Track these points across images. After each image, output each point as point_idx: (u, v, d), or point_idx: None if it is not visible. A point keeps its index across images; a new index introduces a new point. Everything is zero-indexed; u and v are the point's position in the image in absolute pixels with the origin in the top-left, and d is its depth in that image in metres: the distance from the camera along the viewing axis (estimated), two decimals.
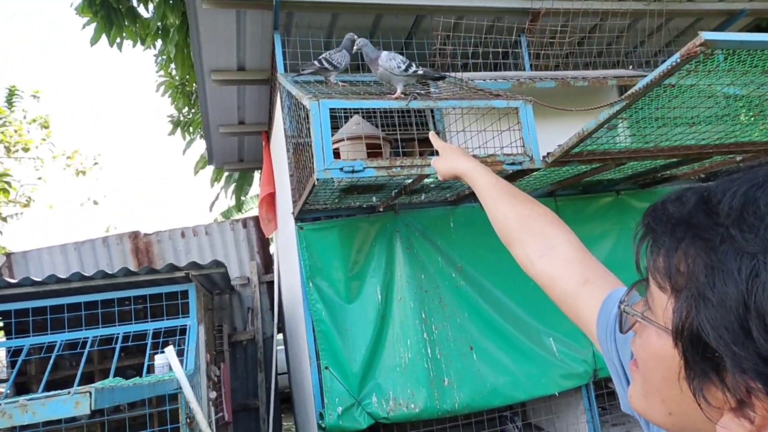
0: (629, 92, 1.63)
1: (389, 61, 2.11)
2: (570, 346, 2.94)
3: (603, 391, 3.14)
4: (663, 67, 1.49)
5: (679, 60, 1.44)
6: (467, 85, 2.66)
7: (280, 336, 4.60)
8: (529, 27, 3.20)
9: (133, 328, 2.55)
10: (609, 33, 3.47)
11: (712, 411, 0.44)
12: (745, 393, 0.41)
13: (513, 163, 2.10)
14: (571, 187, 3.13)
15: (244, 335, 4.44)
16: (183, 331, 2.66)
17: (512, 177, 2.36)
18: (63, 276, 2.43)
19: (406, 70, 2.11)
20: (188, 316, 2.61)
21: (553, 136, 2.58)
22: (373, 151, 2.22)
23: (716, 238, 0.43)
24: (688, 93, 1.65)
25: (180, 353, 2.52)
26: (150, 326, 2.57)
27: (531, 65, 3.33)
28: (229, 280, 3.75)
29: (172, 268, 2.44)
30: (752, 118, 1.98)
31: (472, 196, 2.82)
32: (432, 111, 3.31)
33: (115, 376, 2.11)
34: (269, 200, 4.08)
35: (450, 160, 1.14)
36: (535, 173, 2.42)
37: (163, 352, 1.96)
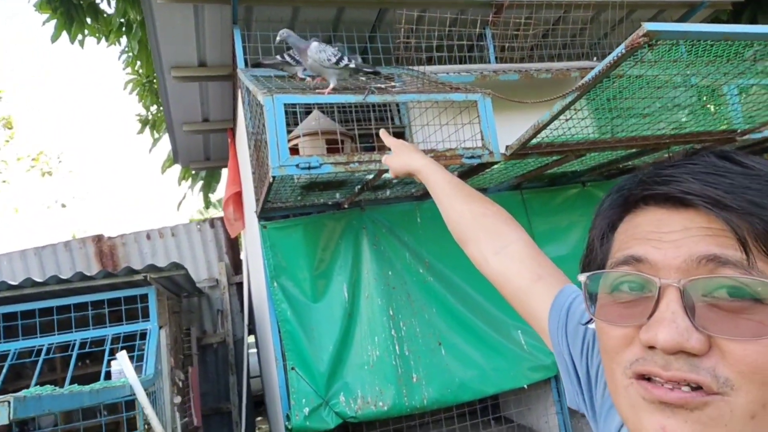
0: (579, 83, 1.63)
1: (319, 53, 2.07)
2: (538, 338, 2.93)
3: None
4: (610, 58, 1.49)
5: (624, 51, 1.44)
6: (429, 79, 2.64)
7: (252, 338, 4.54)
8: (494, 19, 3.20)
9: (91, 334, 2.47)
10: (573, 25, 3.48)
11: None
12: None
13: (472, 157, 2.08)
14: (537, 180, 3.14)
15: (214, 338, 4.36)
16: (145, 335, 2.60)
17: (473, 171, 2.35)
18: None
19: (337, 63, 2.07)
20: (149, 320, 2.54)
21: (516, 129, 2.57)
22: (334, 147, 2.18)
23: None
24: (637, 83, 1.66)
25: (141, 358, 2.45)
26: (108, 332, 2.49)
27: (496, 58, 3.32)
28: (194, 282, 3.68)
29: (130, 271, 2.36)
30: (703, 108, 2.00)
31: None
32: (397, 105, 3.29)
33: (78, 383, 2.04)
34: (236, 199, 4.01)
35: (403, 157, 1.13)
36: (496, 166, 2.42)
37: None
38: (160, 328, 2.57)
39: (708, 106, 2.12)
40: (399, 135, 3.14)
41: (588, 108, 1.98)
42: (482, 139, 2.12)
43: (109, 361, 2.30)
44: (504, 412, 3.42)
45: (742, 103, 2.34)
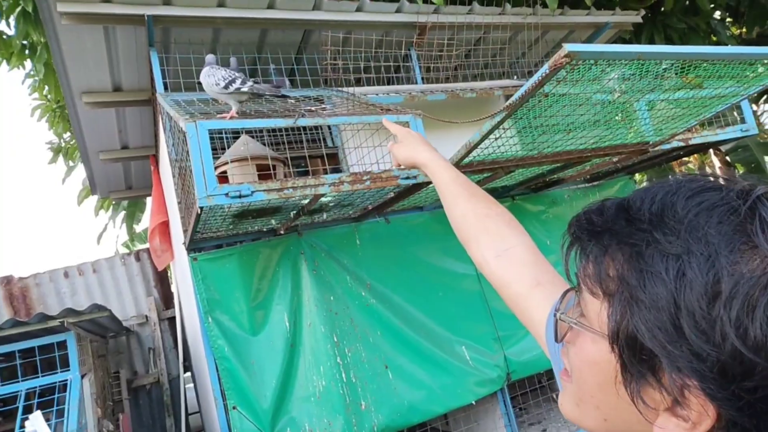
0: (507, 103, 1.67)
1: (206, 77, 2.00)
2: (482, 352, 2.99)
3: (517, 393, 3.22)
4: (534, 78, 1.54)
5: (548, 71, 1.49)
6: (359, 100, 2.63)
7: (188, 374, 4.27)
8: (417, 41, 3.26)
9: (1, 390, 2.20)
10: (493, 45, 3.63)
11: (649, 412, 0.46)
12: (680, 392, 0.43)
13: (407, 177, 2.08)
14: None
15: (146, 378, 4.06)
16: (65, 386, 2.35)
17: (409, 191, 2.35)
18: None
19: (226, 87, 2.01)
20: (69, 370, 2.30)
21: (446, 148, 2.61)
22: (265, 173, 2.10)
23: (642, 243, 0.45)
24: (561, 101, 1.73)
25: (62, 413, 2.21)
26: (21, 386, 2.23)
27: (422, 78, 3.39)
28: (120, 322, 3.41)
29: (44, 317, 2.13)
30: (620, 123, 2.12)
31: (376, 210, 2.78)
32: (329, 127, 3.25)
33: None
34: (163, 229, 3.78)
35: (410, 148, 1.09)
36: (431, 186, 2.44)
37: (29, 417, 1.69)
38: (83, 376, 2.34)
39: (623, 120, 2.25)
40: (332, 156, 3.10)
41: (515, 126, 2.04)
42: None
43: (22, 421, 2.05)
44: (455, 430, 3.42)
45: (653, 117, 2.51)
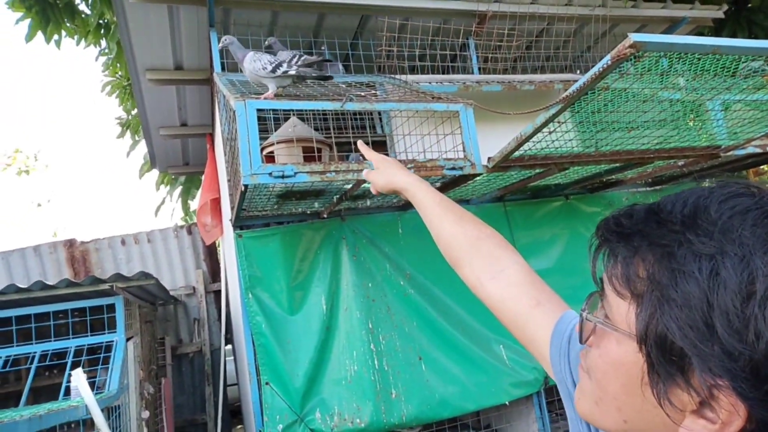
0: (564, 95, 1.58)
1: (253, 62, 2.00)
2: (520, 353, 2.90)
3: (554, 398, 3.11)
4: (595, 69, 1.45)
5: (610, 62, 1.40)
6: (411, 88, 2.59)
7: (229, 347, 4.42)
8: (477, 30, 3.16)
9: (52, 346, 2.35)
10: (556, 37, 3.48)
11: (675, 414, 0.45)
12: (709, 392, 0.43)
13: (453, 168, 2.03)
14: (520, 192, 3.10)
15: (190, 347, 4.23)
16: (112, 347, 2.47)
17: (455, 182, 2.29)
18: None
19: (273, 71, 2.00)
20: (115, 332, 2.42)
21: (499, 140, 2.53)
22: (311, 155, 2.11)
23: (674, 244, 0.45)
24: (623, 96, 1.62)
25: (106, 372, 2.33)
26: (71, 343, 2.37)
27: (479, 69, 3.29)
28: (167, 291, 3.55)
29: (95, 280, 2.25)
30: (690, 123, 1.97)
31: None
32: (379, 114, 3.23)
33: (44, 394, 1.92)
34: (214, 206, 3.90)
35: (387, 174, 1.09)
36: (478, 178, 2.37)
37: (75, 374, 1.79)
38: (129, 339, 2.45)
39: (693, 120, 2.09)
40: (380, 144, 3.07)
41: (572, 121, 1.94)
42: (464, 151, 2.07)
43: (69, 376, 2.18)
44: (485, 428, 3.35)
45: (727, 119, 2.33)
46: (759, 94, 1.87)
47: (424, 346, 2.73)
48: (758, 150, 2.57)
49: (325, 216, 2.68)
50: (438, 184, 2.35)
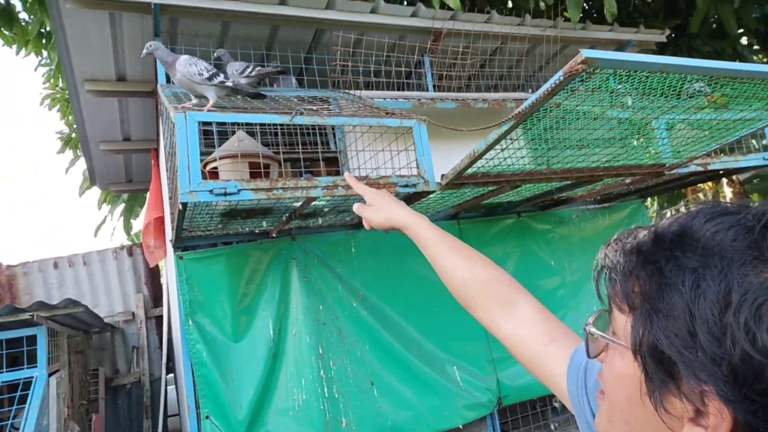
0: (516, 111, 1.55)
1: (188, 66, 1.90)
2: (474, 374, 2.84)
3: (508, 419, 3.06)
4: (547, 85, 1.42)
5: (562, 78, 1.37)
6: (365, 103, 2.53)
7: (171, 375, 4.14)
8: (432, 47, 3.16)
9: None
10: (509, 57, 3.52)
11: (674, 422, 0.48)
12: (700, 400, 0.45)
13: (407, 186, 1.96)
14: (473, 210, 3.08)
15: (127, 378, 3.94)
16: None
17: (408, 200, 2.23)
18: None
19: (210, 78, 1.90)
20: (37, 367, 2.18)
21: (453, 158, 2.50)
22: (257, 171, 2.00)
23: (663, 260, 0.48)
24: (573, 114, 1.61)
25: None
26: None
27: (434, 86, 3.28)
28: (100, 318, 3.30)
29: (14, 310, 2.02)
30: (636, 142, 1.99)
31: None
32: (333, 129, 3.15)
33: None
34: (158, 225, 3.69)
35: (384, 211, 1.04)
36: (432, 196, 2.32)
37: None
38: (52, 374, 2.22)
39: (640, 139, 2.12)
40: (333, 160, 2.99)
41: (524, 138, 1.92)
42: (417, 168, 2.01)
43: None
44: None
45: (671, 138, 2.38)
46: (701, 114, 1.91)
47: (377, 370, 2.63)
48: (700, 168, 2.65)
49: (274, 235, 2.55)
50: None
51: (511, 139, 1.71)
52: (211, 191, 1.66)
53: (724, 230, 0.47)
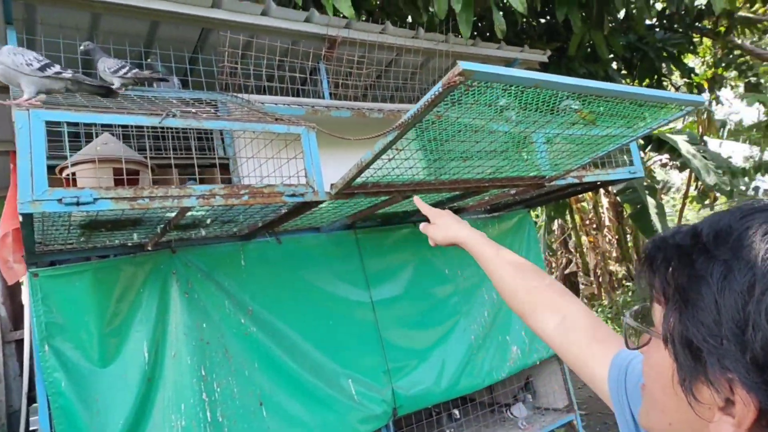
0: (399, 122, 1.54)
1: (14, 55, 1.70)
2: (369, 386, 2.80)
3: (403, 428, 3.06)
4: (427, 97, 1.42)
5: (441, 89, 1.38)
6: (254, 108, 2.40)
7: (35, 405, 3.64)
8: (327, 54, 3.10)
9: None
10: (405, 69, 3.57)
11: (704, 410, 0.49)
12: (728, 389, 0.46)
13: (294, 195, 1.88)
14: (370, 219, 3.06)
15: None
16: None
17: (299, 210, 2.14)
18: None
19: (42, 69, 1.71)
20: None
21: (346, 167, 2.46)
22: (128, 178, 1.80)
23: (696, 253, 0.51)
24: (455, 126, 1.63)
25: None
26: None
27: (330, 94, 3.22)
28: None
29: None
30: (517, 155, 2.08)
31: (265, 228, 2.52)
32: (221, 135, 2.97)
33: None
34: (17, 237, 3.23)
35: (445, 228, 1.16)
36: (324, 205, 2.25)
37: None
38: None
39: (521, 152, 2.22)
40: (223, 167, 2.82)
41: (412, 148, 1.92)
42: (306, 176, 1.93)
43: None
44: None
45: (550, 152, 2.52)
46: (573, 130, 2.04)
47: (266, 390, 2.49)
48: (576, 180, 2.85)
49: (150, 248, 2.33)
50: (283, 211, 2.17)
51: (396, 149, 1.69)
52: (59, 200, 1.45)
53: (757, 225, 0.49)
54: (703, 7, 4.71)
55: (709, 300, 0.48)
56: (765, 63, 5.40)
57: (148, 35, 2.80)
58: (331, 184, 1.97)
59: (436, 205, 2.78)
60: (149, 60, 2.72)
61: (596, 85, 1.55)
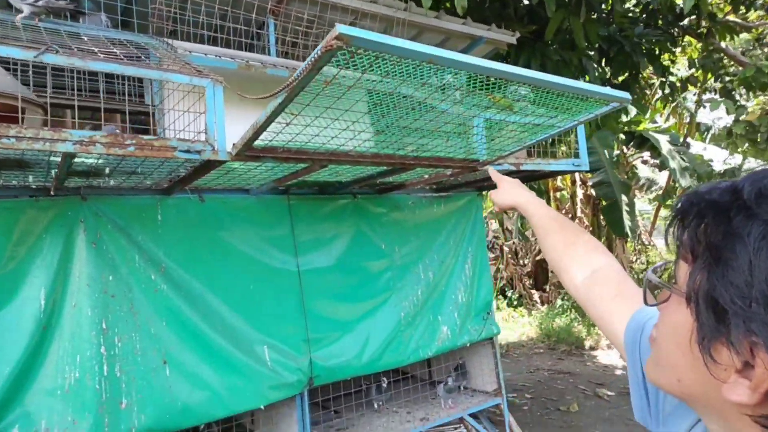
0: (285, 83, 1.44)
1: None
2: (286, 353, 2.78)
3: (318, 399, 3.06)
4: (308, 60, 1.32)
5: (320, 52, 1.28)
6: (176, 56, 2.28)
7: None
8: (274, 9, 2.95)
9: None
10: None
11: (720, 371, 0.49)
12: (749, 352, 0.46)
13: (189, 151, 1.78)
14: (306, 186, 2.98)
15: None
16: None
17: (205, 168, 2.05)
18: None
19: None
20: None
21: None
22: (7, 115, 1.68)
23: (734, 210, 0.49)
24: (351, 95, 1.54)
25: None
26: None
27: (278, 51, 3.09)
28: None
29: None
30: (433, 133, 2.00)
31: (182, 184, 2.42)
32: (151, 82, 2.84)
33: None
34: None
35: (509, 193, 1.20)
36: (237, 166, 2.16)
37: None
38: None
39: (450, 134, 2.14)
40: (145, 114, 2.71)
41: (294, 110, 1.82)
42: (206, 133, 1.84)
43: None
44: (255, 429, 3.18)
45: (488, 137, 2.44)
46: (501, 115, 1.96)
47: (173, 348, 2.45)
48: (513, 168, 2.78)
49: (53, 193, 2.23)
50: (183, 171, 2.08)
51: (292, 113, 1.60)
52: None
53: None
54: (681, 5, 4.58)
55: (742, 260, 0.46)
56: (741, 69, 5.31)
57: None
58: (233, 144, 1.87)
59: (368, 178, 2.70)
60: None
61: (498, 67, 1.46)
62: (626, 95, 1.81)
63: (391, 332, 3.19)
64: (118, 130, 2.21)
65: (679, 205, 0.57)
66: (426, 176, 2.88)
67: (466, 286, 3.61)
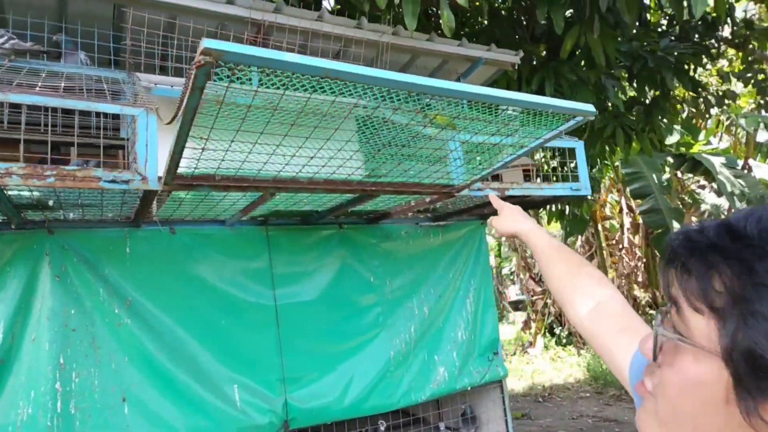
0: (177, 106, 1.35)
1: None
2: (258, 394, 2.63)
3: None
4: (185, 79, 1.23)
5: (194, 71, 1.18)
6: (136, 89, 2.28)
7: None
8: (252, 40, 2.94)
9: None
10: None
11: (764, 428, 0.46)
12: None
13: (114, 182, 1.73)
14: (285, 216, 2.88)
15: None
16: None
17: (145, 201, 1.99)
18: None
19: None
20: None
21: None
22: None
23: (754, 258, 0.46)
24: (263, 115, 1.43)
25: None
26: None
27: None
28: None
29: None
30: (375, 158, 1.85)
31: (141, 214, 2.39)
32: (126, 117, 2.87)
33: None
34: None
35: (511, 221, 1.19)
36: (184, 196, 2.10)
37: None
38: None
39: (406, 159, 1.98)
40: (121, 147, 2.72)
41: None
42: (136, 162, 1.78)
43: None
44: None
45: (466, 161, 2.26)
46: (429, 132, 1.79)
47: (134, 386, 2.37)
48: (498, 193, 2.56)
49: (13, 227, 2.25)
50: (134, 203, 2.03)
51: (202, 138, 1.51)
52: None
53: None
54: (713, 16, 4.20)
55: None
56: None
57: (58, 8, 2.72)
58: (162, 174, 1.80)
59: (337, 207, 2.57)
60: (55, 36, 2.64)
61: (406, 79, 1.31)
62: (587, 108, 1.60)
63: (379, 372, 2.97)
64: (86, 164, 2.22)
65: (674, 249, 0.54)
66: (413, 203, 2.71)
67: (467, 323, 3.34)
